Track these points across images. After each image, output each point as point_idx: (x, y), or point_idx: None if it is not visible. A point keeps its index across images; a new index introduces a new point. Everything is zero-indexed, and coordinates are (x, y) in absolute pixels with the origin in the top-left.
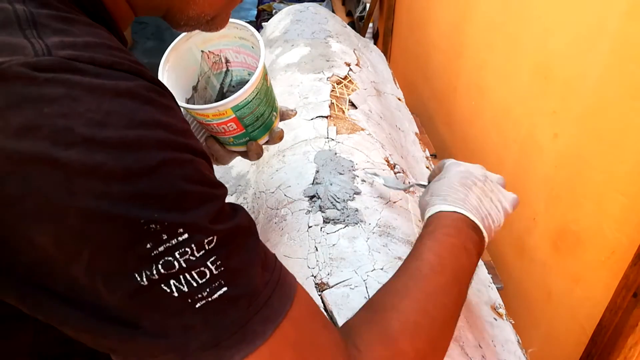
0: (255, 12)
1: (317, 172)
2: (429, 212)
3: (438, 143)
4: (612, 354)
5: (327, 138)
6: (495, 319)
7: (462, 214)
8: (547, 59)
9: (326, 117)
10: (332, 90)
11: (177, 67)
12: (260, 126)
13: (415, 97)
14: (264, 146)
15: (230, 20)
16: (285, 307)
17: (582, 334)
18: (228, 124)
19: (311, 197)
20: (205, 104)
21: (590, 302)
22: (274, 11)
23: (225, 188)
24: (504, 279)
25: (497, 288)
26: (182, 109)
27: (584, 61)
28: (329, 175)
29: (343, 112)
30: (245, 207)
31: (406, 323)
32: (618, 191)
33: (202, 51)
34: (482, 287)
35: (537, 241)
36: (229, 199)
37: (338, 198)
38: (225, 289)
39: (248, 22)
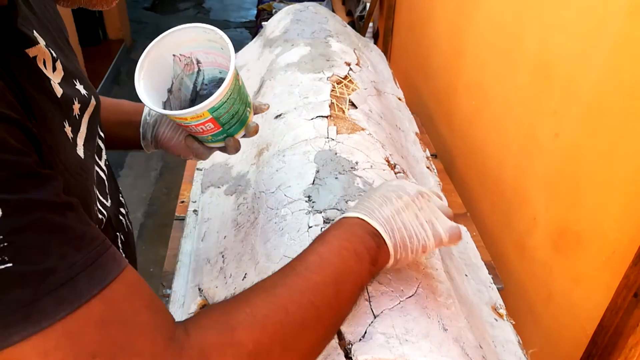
0: (255, 12)
1: (317, 172)
2: (335, 220)
3: (438, 143)
4: (613, 354)
5: (327, 138)
6: (496, 320)
7: (363, 219)
8: (548, 59)
9: (326, 117)
10: (332, 90)
11: (151, 72)
12: (236, 123)
13: (416, 96)
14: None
15: (199, 25)
16: (94, 289)
17: (582, 334)
18: (206, 124)
19: (311, 197)
20: (180, 104)
21: (591, 303)
22: (273, 10)
23: (31, 157)
24: (505, 279)
25: (497, 288)
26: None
27: (585, 61)
28: (330, 176)
29: (343, 111)
30: (245, 207)
31: (252, 315)
32: (619, 191)
33: (174, 55)
34: (483, 287)
35: (537, 241)
36: (228, 199)
37: (339, 198)
38: (9, 264)
39: (248, 22)
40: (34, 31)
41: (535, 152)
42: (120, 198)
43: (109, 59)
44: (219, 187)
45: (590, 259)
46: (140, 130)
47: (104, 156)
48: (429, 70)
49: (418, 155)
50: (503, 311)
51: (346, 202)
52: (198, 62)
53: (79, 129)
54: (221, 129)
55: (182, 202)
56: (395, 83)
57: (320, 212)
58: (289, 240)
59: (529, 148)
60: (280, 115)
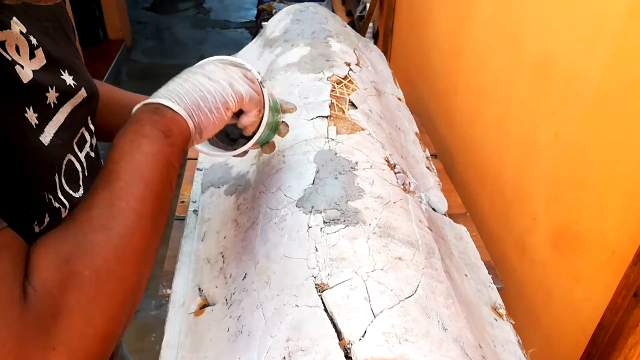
0: (255, 12)
1: (317, 172)
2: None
3: (438, 143)
4: (613, 354)
5: (327, 138)
6: (496, 319)
7: (145, 103)
8: (548, 59)
9: (326, 117)
10: (332, 90)
11: None
12: (269, 132)
13: (416, 96)
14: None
15: (228, 57)
16: None
17: (582, 334)
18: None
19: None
20: None
21: (591, 302)
22: (273, 11)
23: None
24: (504, 279)
25: (497, 288)
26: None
27: (585, 61)
28: (329, 176)
29: (343, 112)
30: (245, 207)
31: (78, 243)
32: (619, 191)
33: None
34: (483, 287)
35: (537, 241)
36: (228, 199)
37: (339, 198)
38: None
39: (248, 22)
40: (14, 18)
41: (535, 152)
42: None
43: (109, 59)
44: (219, 187)
45: (590, 259)
46: None
47: (87, 149)
48: (429, 70)
49: (418, 155)
50: (503, 311)
51: (346, 202)
52: None
53: (51, 117)
54: (258, 146)
55: (182, 202)
56: (395, 83)
57: (320, 212)
58: (289, 240)
59: (529, 148)
60: None
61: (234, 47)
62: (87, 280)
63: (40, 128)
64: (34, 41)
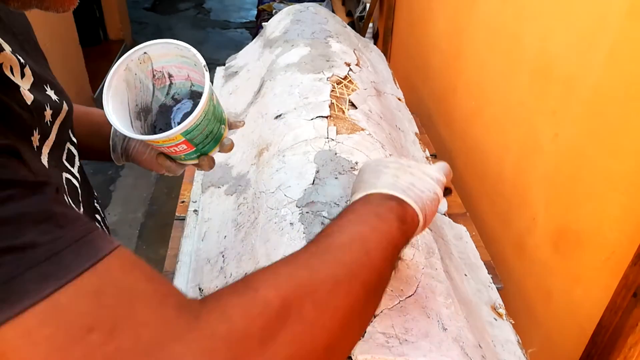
0: (256, 12)
1: (317, 172)
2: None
3: (438, 143)
4: (612, 354)
5: (327, 138)
6: (495, 319)
7: (375, 193)
8: (548, 59)
9: (326, 117)
10: (332, 90)
11: (120, 90)
12: (210, 141)
13: (415, 97)
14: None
15: (171, 41)
16: (85, 263)
17: (582, 334)
18: (179, 146)
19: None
20: (150, 119)
21: (590, 302)
22: (274, 11)
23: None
24: (504, 279)
25: (497, 288)
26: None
27: (585, 61)
28: (330, 176)
29: (343, 112)
30: (245, 207)
31: (275, 274)
32: (618, 191)
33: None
34: (482, 287)
35: (537, 241)
36: (229, 199)
37: (339, 198)
38: None
39: (248, 22)
40: None
41: (535, 152)
42: (95, 204)
43: (109, 59)
44: (219, 187)
45: (589, 259)
46: (110, 142)
47: (77, 162)
48: (429, 70)
49: (418, 156)
50: (502, 311)
51: (346, 202)
52: (170, 75)
53: (48, 137)
54: (194, 148)
55: (183, 202)
56: (395, 83)
57: (321, 212)
58: (289, 240)
59: (529, 148)
60: (280, 115)
61: (234, 47)
62: (275, 311)
63: (40, 150)
64: (21, 59)
